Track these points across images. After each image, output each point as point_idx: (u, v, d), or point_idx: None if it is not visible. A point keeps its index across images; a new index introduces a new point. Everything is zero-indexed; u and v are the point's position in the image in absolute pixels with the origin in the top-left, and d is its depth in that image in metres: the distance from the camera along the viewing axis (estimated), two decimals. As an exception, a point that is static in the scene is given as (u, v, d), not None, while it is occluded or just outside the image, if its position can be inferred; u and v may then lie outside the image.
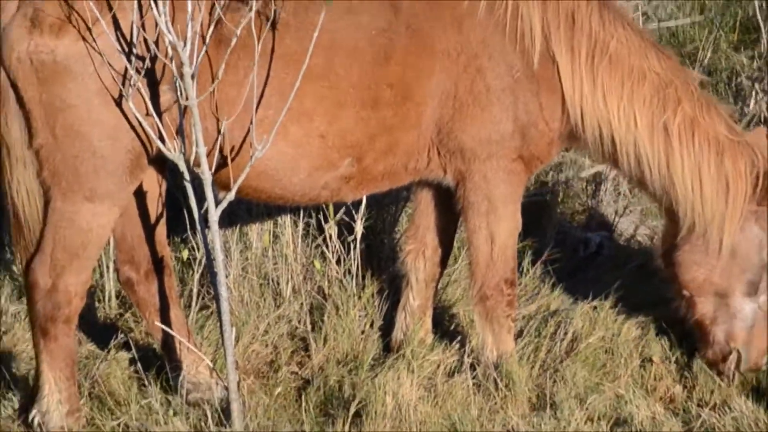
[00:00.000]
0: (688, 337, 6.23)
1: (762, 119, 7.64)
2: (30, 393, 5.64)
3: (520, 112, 5.62)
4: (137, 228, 5.79)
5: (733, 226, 5.76)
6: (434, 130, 5.64)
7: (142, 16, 5.14)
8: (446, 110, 5.61)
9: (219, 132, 5.24)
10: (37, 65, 5.20)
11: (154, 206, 5.76)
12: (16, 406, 5.72)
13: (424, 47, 5.53)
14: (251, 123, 5.21)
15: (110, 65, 5.17)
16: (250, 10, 5.13)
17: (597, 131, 5.69)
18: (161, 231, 5.84)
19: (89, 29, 5.15)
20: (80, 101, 5.22)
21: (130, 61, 5.14)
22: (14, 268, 6.68)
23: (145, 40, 5.14)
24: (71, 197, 5.32)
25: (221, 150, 5.30)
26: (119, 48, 5.14)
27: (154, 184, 5.69)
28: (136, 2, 5.11)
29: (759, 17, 7.94)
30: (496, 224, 5.74)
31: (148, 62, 5.19)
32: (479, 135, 5.61)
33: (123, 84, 5.18)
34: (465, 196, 5.73)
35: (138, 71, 5.16)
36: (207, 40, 5.12)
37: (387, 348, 6.23)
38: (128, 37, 5.17)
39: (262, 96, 5.34)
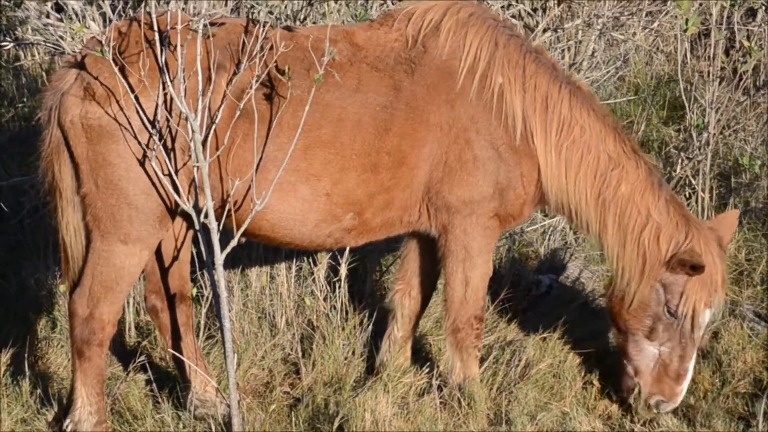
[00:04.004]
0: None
1: (687, 182, 7.97)
2: (64, 406, 5.87)
3: (501, 177, 5.90)
4: (166, 264, 6.02)
5: (643, 286, 6.05)
6: (424, 189, 5.90)
7: (165, 93, 5.42)
8: (436, 174, 5.87)
9: (229, 190, 5.56)
10: (86, 127, 5.50)
11: (182, 248, 6.02)
12: (50, 418, 5.97)
13: (420, 121, 5.82)
14: (252, 180, 5.49)
15: (138, 133, 5.45)
16: (251, 87, 5.40)
17: (558, 197, 6.04)
18: (186, 268, 6.09)
19: (119, 102, 5.41)
20: (119, 160, 5.50)
21: (153, 129, 5.44)
22: (51, 303, 6.86)
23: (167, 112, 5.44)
24: (108, 239, 5.59)
25: (237, 202, 5.60)
26: (143, 120, 5.44)
27: (183, 230, 5.98)
28: (160, 82, 5.43)
29: (683, 97, 8.10)
30: (471, 270, 6.01)
31: (171, 131, 5.48)
32: (464, 196, 5.90)
33: (148, 147, 5.46)
34: (446, 245, 6.00)
35: (161, 138, 5.44)
36: (218, 115, 5.39)
37: (367, 371, 6.44)
38: (155, 111, 5.45)
39: (273, 159, 5.60)
